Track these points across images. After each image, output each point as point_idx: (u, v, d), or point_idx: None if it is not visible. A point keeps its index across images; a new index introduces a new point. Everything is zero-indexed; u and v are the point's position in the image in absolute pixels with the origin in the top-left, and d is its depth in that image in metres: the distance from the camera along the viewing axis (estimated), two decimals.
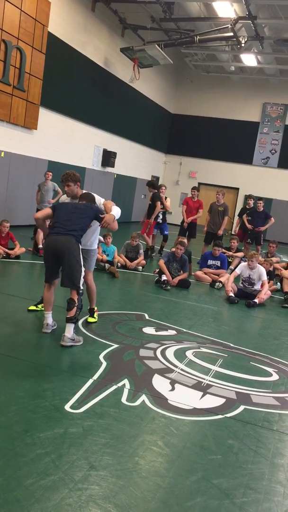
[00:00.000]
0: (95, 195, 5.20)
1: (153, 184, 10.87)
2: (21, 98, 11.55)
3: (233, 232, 12.46)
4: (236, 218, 13.12)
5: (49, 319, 4.98)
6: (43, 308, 5.50)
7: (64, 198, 5.29)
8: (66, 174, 5.00)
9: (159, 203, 10.63)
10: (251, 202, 11.95)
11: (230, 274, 8.40)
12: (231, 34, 14.14)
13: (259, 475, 2.89)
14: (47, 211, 5.03)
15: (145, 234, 10.71)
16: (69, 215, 4.76)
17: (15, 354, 4.17)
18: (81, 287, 4.68)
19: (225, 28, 14.04)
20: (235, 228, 12.34)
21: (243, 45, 15.16)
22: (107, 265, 8.51)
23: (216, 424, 3.46)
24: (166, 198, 11.02)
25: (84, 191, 5.19)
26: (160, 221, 11.02)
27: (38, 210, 10.50)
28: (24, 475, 2.55)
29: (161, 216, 11.00)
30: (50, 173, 10.62)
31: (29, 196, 12.54)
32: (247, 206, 12.14)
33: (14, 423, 3.05)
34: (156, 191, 10.80)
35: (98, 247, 8.19)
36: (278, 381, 4.53)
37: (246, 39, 14.92)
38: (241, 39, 14.69)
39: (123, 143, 17.82)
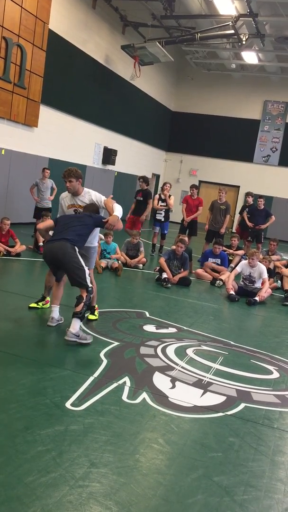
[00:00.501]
0: (95, 192, 5.17)
1: (148, 180, 10.75)
2: (22, 95, 11.53)
3: (234, 230, 12.45)
4: (237, 215, 13.12)
5: (55, 313, 5.04)
6: (44, 306, 5.53)
7: (64, 196, 5.25)
8: (69, 170, 4.99)
9: (151, 200, 10.54)
10: (250, 199, 11.96)
11: (231, 272, 8.40)
12: (232, 31, 14.11)
13: (259, 473, 2.89)
14: (49, 222, 5.14)
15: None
16: (67, 223, 4.84)
17: (16, 352, 4.17)
18: (90, 285, 4.67)
19: (226, 26, 14.01)
20: (236, 226, 12.34)
21: (244, 42, 15.10)
22: (110, 262, 8.49)
23: (217, 422, 3.46)
24: (170, 196, 10.89)
25: (85, 189, 5.16)
26: (162, 219, 10.92)
27: (37, 207, 10.47)
28: (24, 473, 2.55)
29: (163, 214, 10.89)
30: (48, 170, 10.54)
31: (30, 194, 12.54)
32: (246, 204, 12.15)
33: (15, 421, 3.05)
34: (147, 187, 10.73)
35: (98, 246, 8.14)
36: (278, 379, 4.53)
37: (247, 37, 14.88)
38: (242, 37, 14.65)
39: (123, 141, 17.80)
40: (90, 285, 4.67)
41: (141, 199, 10.53)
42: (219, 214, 10.77)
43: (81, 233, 4.80)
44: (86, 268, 4.71)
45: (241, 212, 12.14)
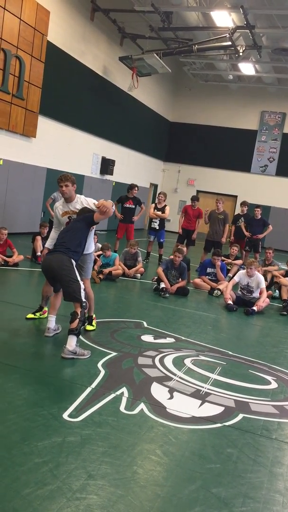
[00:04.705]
0: (87, 198, 5.16)
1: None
2: (20, 106, 11.60)
3: (230, 240, 12.44)
4: (231, 225, 13.12)
5: (51, 323, 5.02)
6: (41, 316, 5.51)
7: (58, 205, 5.21)
8: (65, 174, 5.07)
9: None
10: (245, 209, 12.03)
11: (229, 281, 8.40)
12: (229, 43, 14.25)
13: (258, 484, 2.87)
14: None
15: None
16: (63, 236, 4.89)
17: (13, 362, 4.16)
18: (84, 300, 4.65)
19: (223, 37, 14.14)
20: (231, 235, 12.37)
21: (241, 54, 15.26)
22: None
23: (215, 433, 3.45)
24: (165, 206, 10.90)
25: (77, 195, 5.15)
26: (157, 227, 10.91)
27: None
28: (21, 485, 2.53)
29: (158, 222, 10.89)
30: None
31: (28, 203, 12.58)
32: (240, 213, 12.20)
33: (12, 432, 3.03)
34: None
35: (97, 261, 8.10)
36: (277, 389, 4.51)
37: (244, 48, 15.04)
38: (239, 48, 14.80)
39: (121, 151, 17.89)
40: (84, 300, 4.64)
41: (133, 206, 10.77)
42: (217, 224, 10.82)
43: (75, 243, 4.80)
44: (81, 283, 4.68)
45: (234, 222, 12.13)
